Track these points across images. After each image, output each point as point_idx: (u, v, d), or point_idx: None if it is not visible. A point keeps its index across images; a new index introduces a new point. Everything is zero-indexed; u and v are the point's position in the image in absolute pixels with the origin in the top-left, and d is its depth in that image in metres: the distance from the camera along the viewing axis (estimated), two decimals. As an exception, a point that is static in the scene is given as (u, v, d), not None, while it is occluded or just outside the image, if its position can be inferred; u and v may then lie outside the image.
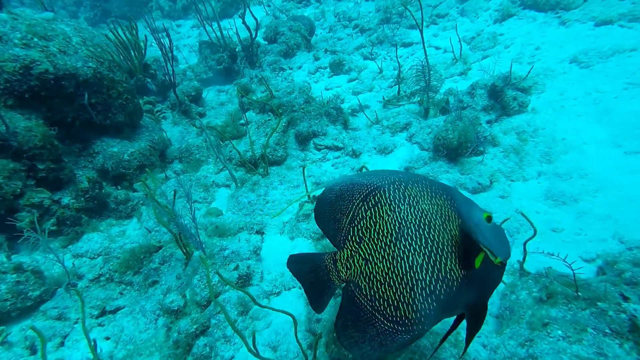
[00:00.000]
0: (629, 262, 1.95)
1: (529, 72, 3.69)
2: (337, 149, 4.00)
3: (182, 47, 8.56)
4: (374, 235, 1.10)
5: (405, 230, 1.08)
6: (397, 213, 1.09)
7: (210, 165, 4.09)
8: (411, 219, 1.08)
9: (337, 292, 2.05)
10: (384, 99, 4.56)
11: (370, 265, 1.09)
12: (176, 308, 2.05)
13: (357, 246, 1.13)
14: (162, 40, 4.34)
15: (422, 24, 3.84)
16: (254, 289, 2.31)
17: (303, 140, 4.09)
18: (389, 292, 1.05)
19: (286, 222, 3.10)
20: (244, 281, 2.33)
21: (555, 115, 3.47)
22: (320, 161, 3.91)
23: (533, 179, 3.03)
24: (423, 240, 1.06)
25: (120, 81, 3.37)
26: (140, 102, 4.74)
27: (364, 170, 3.22)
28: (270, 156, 3.80)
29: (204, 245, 2.63)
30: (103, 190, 3.14)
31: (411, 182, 1.13)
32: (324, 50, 6.52)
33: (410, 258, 1.05)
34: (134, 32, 3.98)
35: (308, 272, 1.19)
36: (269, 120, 4.26)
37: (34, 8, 3.27)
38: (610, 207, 2.55)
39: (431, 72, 4.50)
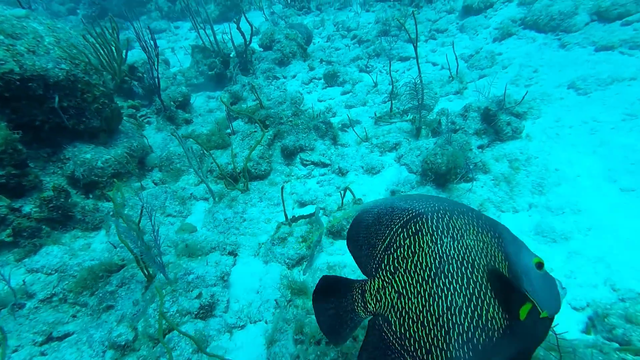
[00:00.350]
0: (621, 317, 1.80)
1: (523, 97, 3.57)
2: (324, 165, 3.85)
3: (178, 50, 8.42)
4: (410, 267, 1.01)
5: (446, 266, 0.98)
6: (439, 245, 1.00)
7: (191, 175, 3.92)
8: (454, 254, 0.99)
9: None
10: (375, 115, 4.42)
11: (403, 300, 1.00)
12: (123, 343, 1.87)
13: (390, 277, 1.03)
14: (149, 42, 4.19)
15: (416, 40, 3.71)
16: (215, 321, 2.13)
17: (289, 155, 3.94)
18: (422, 332, 0.96)
19: (262, 244, 2.93)
20: (206, 312, 2.15)
21: (550, 144, 3.33)
22: (305, 178, 3.75)
23: (524, 211, 2.89)
24: (465, 280, 0.97)
25: (97, 85, 3.21)
26: (125, 105, 4.58)
27: (347, 191, 3.06)
28: (253, 170, 3.64)
29: (168, 268, 2.45)
30: (70, 200, 2.96)
31: (457, 212, 1.04)
32: (320, 60, 6.40)
33: (449, 298, 0.96)
34: (115, 33, 3.82)
35: (333, 300, 1.09)
36: (255, 132, 4.11)
37: (11, 5, 3.11)
38: (603, 249, 2.40)
39: (426, 90, 4.36)
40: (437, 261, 0.98)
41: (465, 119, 3.53)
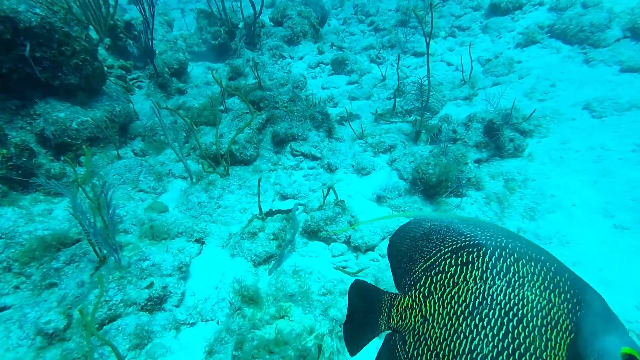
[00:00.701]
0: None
1: (531, 114, 3.32)
2: (314, 158, 3.65)
3: (187, 12, 8.06)
4: (446, 297, 0.93)
5: (486, 310, 0.87)
6: (487, 286, 0.89)
7: (174, 149, 3.73)
8: (500, 301, 0.87)
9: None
10: (376, 111, 4.18)
11: (426, 326, 0.94)
12: (52, 331, 1.73)
13: (422, 300, 0.96)
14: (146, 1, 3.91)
15: (429, 36, 3.43)
16: (163, 315, 2.00)
17: (279, 142, 3.73)
18: None
19: (233, 235, 2.78)
20: (154, 304, 2.01)
21: (551, 167, 3.12)
22: (293, 169, 3.56)
23: (512, 237, 2.71)
24: (502, 332, 0.85)
25: (78, 38, 2.98)
26: (115, 64, 4.34)
27: (331, 191, 2.87)
28: (237, 154, 3.45)
29: (126, 249, 2.31)
30: (35, 160, 2.79)
31: (528, 257, 0.88)
32: (331, 45, 6.08)
33: (476, 342, 0.86)
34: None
35: (362, 309, 1.05)
36: (248, 113, 3.89)
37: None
38: (588, 291, 2.24)
39: (434, 92, 4.11)
40: (477, 301, 0.88)
41: (468, 129, 3.30)
